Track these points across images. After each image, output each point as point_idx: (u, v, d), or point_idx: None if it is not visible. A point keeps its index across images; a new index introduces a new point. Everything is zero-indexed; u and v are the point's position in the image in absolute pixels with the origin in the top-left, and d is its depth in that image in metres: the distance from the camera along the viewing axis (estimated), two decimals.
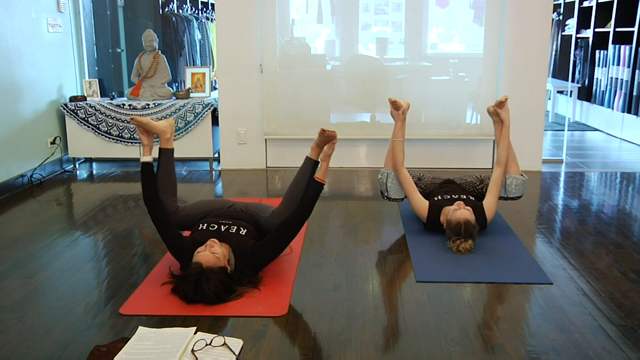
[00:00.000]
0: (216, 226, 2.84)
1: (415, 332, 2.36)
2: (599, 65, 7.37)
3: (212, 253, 2.61)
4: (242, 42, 5.14)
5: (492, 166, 5.28)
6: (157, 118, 5.20)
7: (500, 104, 3.55)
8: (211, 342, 2.20)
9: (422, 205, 3.46)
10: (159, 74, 5.36)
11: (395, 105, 3.58)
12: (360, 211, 4.01)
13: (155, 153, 3.01)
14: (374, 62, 5.31)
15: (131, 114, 5.20)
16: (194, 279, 2.53)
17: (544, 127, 5.21)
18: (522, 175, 3.53)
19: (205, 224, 2.87)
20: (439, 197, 3.49)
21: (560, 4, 8.59)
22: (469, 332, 2.35)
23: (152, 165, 2.89)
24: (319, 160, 2.96)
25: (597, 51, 7.41)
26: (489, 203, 3.42)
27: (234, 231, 2.82)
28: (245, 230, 2.85)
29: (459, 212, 3.24)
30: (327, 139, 2.94)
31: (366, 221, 3.79)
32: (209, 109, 5.22)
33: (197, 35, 6.51)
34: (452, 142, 5.28)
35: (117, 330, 2.38)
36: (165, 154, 3.01)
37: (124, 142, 5.26)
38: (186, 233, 2.94)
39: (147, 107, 5.21)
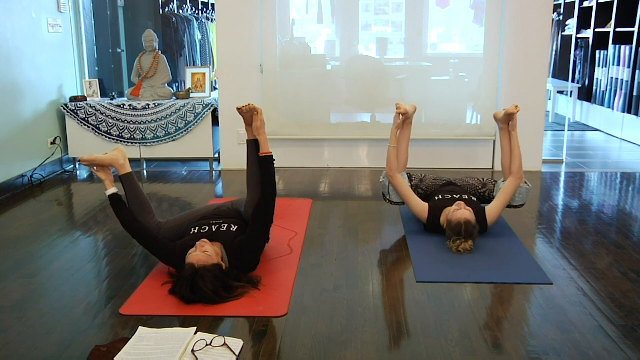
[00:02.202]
0: (207, 227, 2.86)
1: (415, 332, 2.36)
2: (599, 65, 7.37)
3: (203, 252, 2.62)
4: (242, 42, 5.14)
5: (492, 166, 5.28)
6: (157, 118, 5.20)
7: (511, 115, 3.52)
8: (211, 342, 2.20)
9: (421, 207, 3.45)
10: (159, 74, 5.36)
11: (404, 114, 3.56)
12: (360, 211, 4.01)
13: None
14: (374, 62, 5.31)
15: (131, 114, 5.20)
16: (189, 279, 2.53)
17: (544, 127, 5.22)
18: (526, 183, 3.51)
19: (197, 227, 2.89)
20: (440, 197, 3.48)
21: (560, 4, 8.58)
22: (469, 332, 2.35)
23: (119, 195, 2.90)
24: (256, 137, 2.99)
25: (597, 51, 7.41)
26: (493, 208, 3.41)
27: (224, 229, 2.85)
28: (236, 227, 2.87)
29: (460, 212, 3.23)
30: (247, 114, 3.01)
31: (366, 221, 3.79)
32: (209, 109, 5.22)
33: (197, 35, 6.51)
34: (452, 142, 5.28)
35: (117, 330, 2.38)
36: (126, 179, 3.00)
37: (124, 142, 5.26)
38: None
39: (147, 107, 5.21)
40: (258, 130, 2.95)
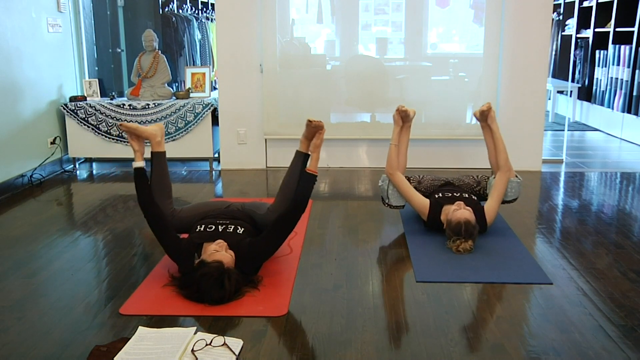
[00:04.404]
0: (213, 227, 2.85)
1: (415, 332, 2.36)
2: (599, 65, 7.37)
3: (230, 254, 2.65)
4: (242, 42, 5.14)
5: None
6: (157, 118, 5.20)
7: (482, 114, 3.58)
8: (211, 342, 2.20)
9: (422, 203, 3.46)
10: (159, 74, 5.36)
11: (404, 114, 3.58)
12: (360, 211, 4.01)
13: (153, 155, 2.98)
14: (374, 62, 5.31)
15: (131, 114, 5.20)
16: (217, 277, 2.52)
17: (544, 127, 5.21)
18: (517, 177, 3.52)
19: (203, 225, 2.87)
20: (440, 195, 3.49)
21: (560, 4, 8.58)
22: (469, 332, 2.35)
23: (145, 170, 2.87)
24: (309, 152, 2.96)
25: (597, 51, 7.41)
26: (490, 207, 3.41)
27: (231, 230, 2.83)
28: (243, 229, 2.86)
29: (459, 212, 3.24)
30: (314, 130, 2.95)
31: (366, 221, 3.79)
32: (209, 109, 5.22)
33: (197, 35, 6.51)
34: (452, 142, 5.28)
35: (117, 330, 2.38)
36: (158, 157, 2.99)
37: (124, 142, 5.26)
38: (183, 235, 2.94)
39: (147, 107, 5.21)
40: (316, 148, 2.91)
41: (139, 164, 2.86)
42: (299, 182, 2.88)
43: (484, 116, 3.60)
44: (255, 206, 3.11)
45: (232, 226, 2.85)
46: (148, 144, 3.00)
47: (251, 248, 2.76)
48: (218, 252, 2.64)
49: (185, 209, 3.08)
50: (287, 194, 2.96)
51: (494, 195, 3.45)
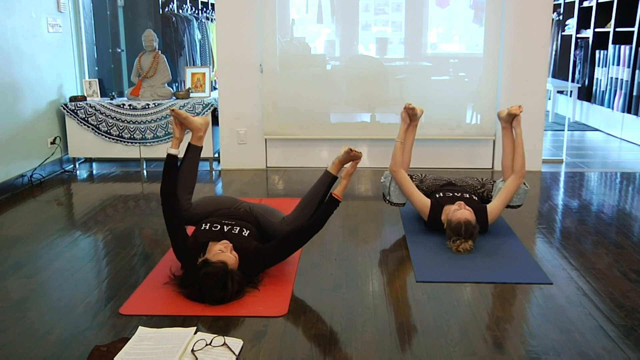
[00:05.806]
0: (219, 226, 2.84)
1: (415, 332, 2.36)
2: (599, 65, 7.37)
3: (234, 256, 2.65)
4: (242, 42, 5.14)
5: (492, 166, 5.28)
6: (157, 118, 5.19)
7: (510, 115, 3.53)
8: (211, 342, 2.20)
9: (423, 203, 3.46)
10: (159, 74, 5.36)
11: (412, 112, 3.58)
12: (360, 211, 4.01)
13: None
14: (374, 62, 5.31)
15: (131, 114, 5.20)
16: (220, 278, 2.52)
17: (544, 127, 5.21)
18: (524, 184, 3.51)
19: (208, 224, 2.86)
20: (441, 194, 3.49)
21: (560, 4, 8.59)
22: (469, 332, 2.35)
23: (177, 159, 2.87)
24: (338, 176, 2.95)
25: (597, 51, 7.41)
26: (494, 208, 3.40)
27: (236, 232, 2.82)
28: (248, 232, 2.85)
29: (460, 212, 3.24)
30: (351, 158, 2.94)
31: (366, 221, 3.79)
32: (209, 109, 5.22)
33: (197, 35, 6.51)
34: (452, 142, 5.28)
35: (117, 330, 2.38)
36: (194, 150, 3.00)
37: (124, 142, 5.26)
38: (190, 229, 2.95)
39: (147, 107, 5.21)
40: (347, 176, 2.91)
41: (174, 151, 2.87)
42: (322, 203, 2.89)
43: (510, 117, 3.55)
44: (266, 211, 3.08)
45: (238, 228, 2.85)
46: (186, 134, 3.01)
47: (257, 254, 2.75)
48: (223, 252, 2.64)
49: (200, 204, 3.07)
50: (306, 211, 2.96)
51: (502, 196, 3.43)
